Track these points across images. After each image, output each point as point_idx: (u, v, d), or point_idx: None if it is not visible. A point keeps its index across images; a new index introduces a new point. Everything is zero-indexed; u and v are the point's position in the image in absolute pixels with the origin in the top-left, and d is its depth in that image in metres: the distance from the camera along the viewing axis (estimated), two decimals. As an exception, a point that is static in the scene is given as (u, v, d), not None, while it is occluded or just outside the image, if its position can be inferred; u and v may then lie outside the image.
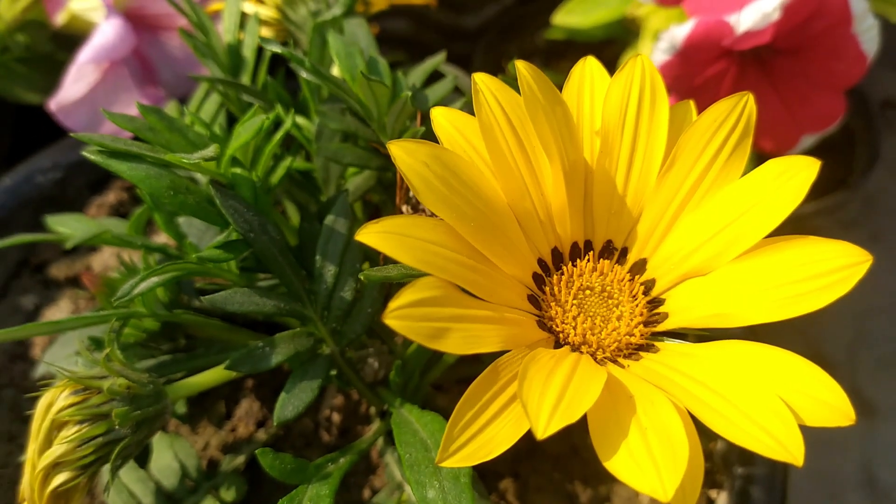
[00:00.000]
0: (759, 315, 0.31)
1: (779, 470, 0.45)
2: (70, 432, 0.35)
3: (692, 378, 0.31)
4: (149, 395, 0.37)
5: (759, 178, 0.33)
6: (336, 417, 0.49)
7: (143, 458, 0.41)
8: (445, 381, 0.50)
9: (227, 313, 0.39)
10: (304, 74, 0.44)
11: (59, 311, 0.53)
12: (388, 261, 0.44)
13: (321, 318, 0.40)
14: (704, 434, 0.49)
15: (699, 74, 0.56)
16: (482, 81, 0.32)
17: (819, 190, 0.52)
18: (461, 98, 0.51)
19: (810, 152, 0.53)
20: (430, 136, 0.44)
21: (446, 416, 0.39)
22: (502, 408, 0.30)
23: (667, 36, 0.54)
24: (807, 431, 0.28)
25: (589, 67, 0.36)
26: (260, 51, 0.52)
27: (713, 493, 0.46)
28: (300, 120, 0.47)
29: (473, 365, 0.48)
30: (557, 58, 0.90)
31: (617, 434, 0.27)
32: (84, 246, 0.58)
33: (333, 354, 0.41)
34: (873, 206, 0.90)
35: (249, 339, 0.46)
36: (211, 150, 0.34)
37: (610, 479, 0.48)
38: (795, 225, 0.32)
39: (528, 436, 0.35)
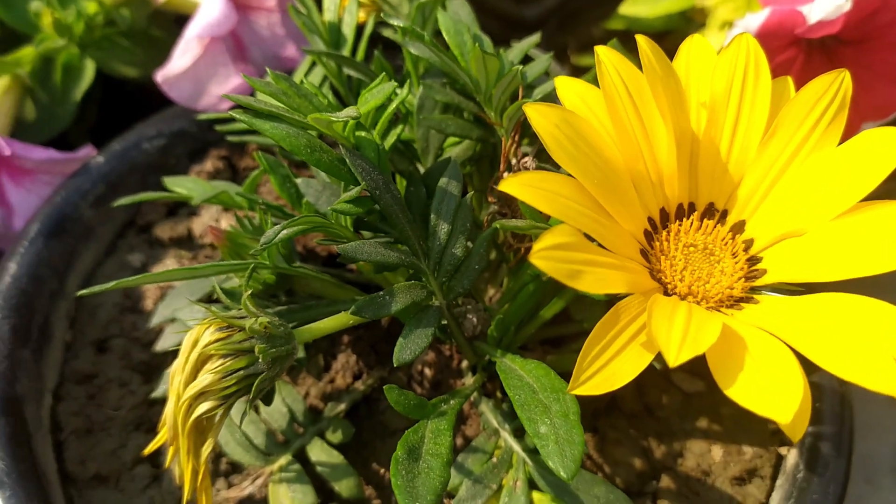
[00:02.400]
0: (853, 270, 0.35)
1: (846, 427, 0.48)
2: (215, 365, 0.39)
3: (793, 323, 0.34)
4: (281, 335, 0.41)
5: (853, 146, 0.36)
6: (428, 372, 0.52)
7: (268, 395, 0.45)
8: (530, 342, 0.53)
9: (348, 264, 0.43)
10: (413, 50, 0.48)
11: (164, 268, 0.57)
12: (491, 221, 0.48)
13: (433, 273, 0.43)
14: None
15: (769, 61, 0.59)
16: (605, 55, 0.36)
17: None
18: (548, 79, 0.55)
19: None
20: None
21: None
22: (624, 345, 0.33)
23: (742, 24, 0.57)
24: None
25: (696, 45, 0.39)
26: (358, 29, 0.56)
27: (784, 450, 0.50)
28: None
29: (558, 326, 0.52)
30: (617, 47, 0.94)
31: (734, 366, 0.31)
32: (184, 210, 0.62)
33: (442, 307, 0.44)
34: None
35: (353, 294, 0.50)
36: (353, 111, 0.38)
37: (683, 437, 0.52)
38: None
39: (607, 393, 0.39)
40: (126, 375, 0.54)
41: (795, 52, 0.60)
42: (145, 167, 0.61)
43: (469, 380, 0.51)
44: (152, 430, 0.52)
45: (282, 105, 0.42)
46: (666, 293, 0.37)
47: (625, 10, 0.75)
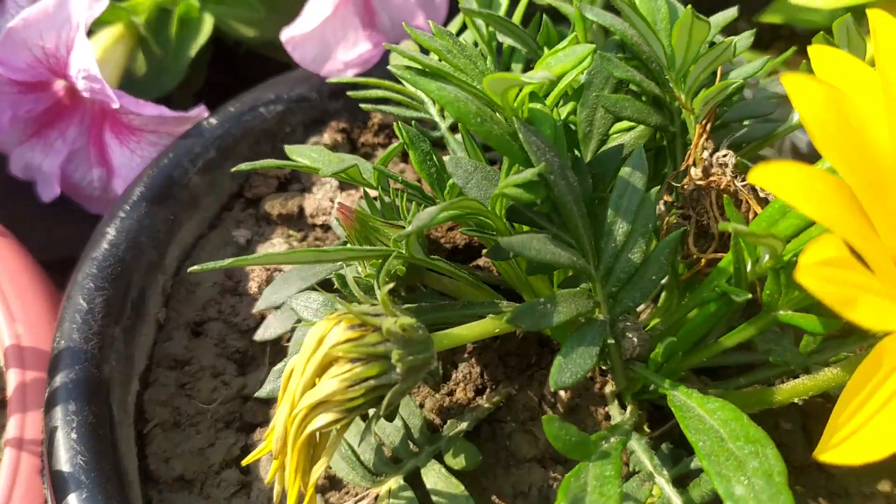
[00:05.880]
0: None
1: None
2: (342, 370, 0.32)
3: None
4: (420, 340, 0.34)
5: None
6: (564, 394, 0.45)
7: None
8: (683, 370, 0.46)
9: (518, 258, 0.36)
10: (589, 14, 0.40)
11: (271, 247, 0.51)
12: (671, 229, 0.40)
13: (601, 280, 0.36)
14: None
15: None
16: (879, 20, 0.28)
17: None
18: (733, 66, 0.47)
19: None
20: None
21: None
22: (889, 398, 0.25)
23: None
24: None
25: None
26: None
27: None
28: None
29: (722, 357, 0.44)
30: (764, 46, 0.85)
31: None
32: (297, 185, 0.56)
33: (605, 322, 0.37)
34: None
35: (491, 297, 0.43)
36: (546, 73, 0.30)
37: (860, 499, 0.43)
38: None
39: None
40: (220, 364, 0.48)
41: None
42: (259, 133, 0.55)
43: (614, 409, 0.43)
44: (244, 429, 0.46)
45: (448, 64, 0.35)
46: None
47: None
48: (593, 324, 0.36)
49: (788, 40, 0.84)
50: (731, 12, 0.43)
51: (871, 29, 0.28)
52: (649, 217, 0.36)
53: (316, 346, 0.33)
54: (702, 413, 0.34)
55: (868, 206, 0.27)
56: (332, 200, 0.53)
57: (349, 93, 0.47)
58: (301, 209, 0.53)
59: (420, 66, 0.33)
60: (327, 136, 0.56)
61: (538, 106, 0.35)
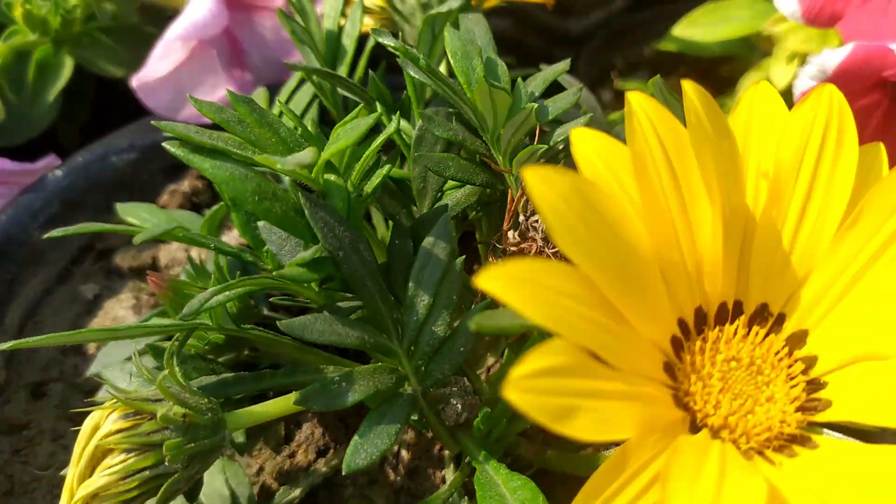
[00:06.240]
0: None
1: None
2: (115, 461, 0.31)
3: (865, 489, 0.25)
4: (206, 425, 0.33)
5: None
6: (405, 455, 0.44)
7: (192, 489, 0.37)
8: (531, 427, 0.45)
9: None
10: (412, 73, 0.39)
11: (119, 303, 0.50)
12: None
13: (407, 354, 0.35)
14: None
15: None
16: (638, 103, 0.27)
17: None
18: (582, 114, 0.46)
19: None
20: (551, 155, 0.39)
21: (534, 475, 0.35)
22: (633, 501, 0.24)
23: (817, 60, 0.47)
24: None
25: (761, 95, 0.30)
26: (360, 42, 0.48)
27: None
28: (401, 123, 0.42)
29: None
30: (665, 73, 0.84)
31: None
32: (153, 235, 0.54)
33: (416, 394, 0.36)
34: None
35: (320, 361, 0.41)
36: (307, 156, 0.29)
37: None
38: None
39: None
40: (61, 427, 0.46)
41: (879, 98, 0.50)
42: (112, 184, 0.53)
43: (450, 472, 0.42)
44: (81, 497, 0.44)
45: (234, 138, 0.34)
46: (694, 425, 0.28)
47: (679, 31, 0.66)
48: (397, 400, 0.35)
49: (691, 65, 0.83)
50: (563, 66, 0.42)
51: (627, 112, 0.27)
52: (453, 289, 0.35)
53: (89, 436, 0.31)
54: (504, 491, 0.34)
55: (621, 299, 0.26)
56: (187, 251, 0.52)
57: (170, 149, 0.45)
58: (155, 261, 0.52)
59: (196, 142, 0.32)
60: (187, 184, 0.55)
61: (332, 177, 0.33)
